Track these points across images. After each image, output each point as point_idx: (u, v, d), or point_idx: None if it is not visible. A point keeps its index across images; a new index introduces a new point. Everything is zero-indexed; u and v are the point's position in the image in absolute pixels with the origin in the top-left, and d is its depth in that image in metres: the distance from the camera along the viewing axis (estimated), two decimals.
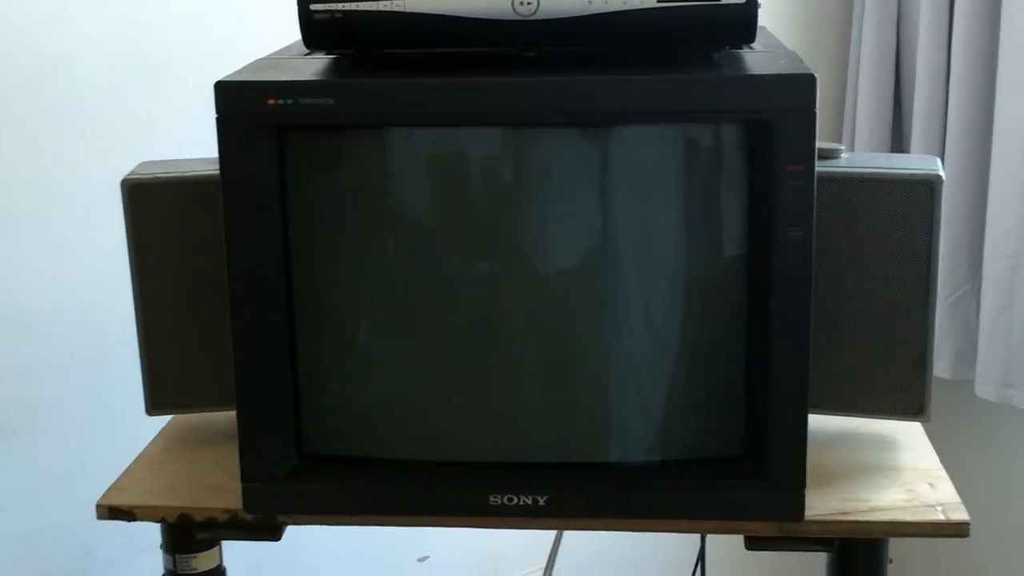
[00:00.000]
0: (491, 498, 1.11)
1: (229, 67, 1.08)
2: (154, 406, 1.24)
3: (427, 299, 1.12)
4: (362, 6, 1.05)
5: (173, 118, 1.75)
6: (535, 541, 1.77)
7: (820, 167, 1.05)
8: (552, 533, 1.80)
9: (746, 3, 1.05)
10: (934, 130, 1.96)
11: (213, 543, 1.22)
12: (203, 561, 1.21)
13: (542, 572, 1.86)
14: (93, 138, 1.72)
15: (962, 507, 1.13)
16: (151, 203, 1.18)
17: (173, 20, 1.75)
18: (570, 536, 1.81)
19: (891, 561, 1.16)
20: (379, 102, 1.05)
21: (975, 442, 2.11)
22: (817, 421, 1.16)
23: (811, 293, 1.05)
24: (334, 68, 1.11)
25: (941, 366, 1.98)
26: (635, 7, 1.04)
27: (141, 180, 1.19)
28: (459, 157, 1.10)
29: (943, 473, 1.19)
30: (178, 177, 1.19)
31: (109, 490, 1.19)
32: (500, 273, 1.12)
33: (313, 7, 1.06)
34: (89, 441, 1.75)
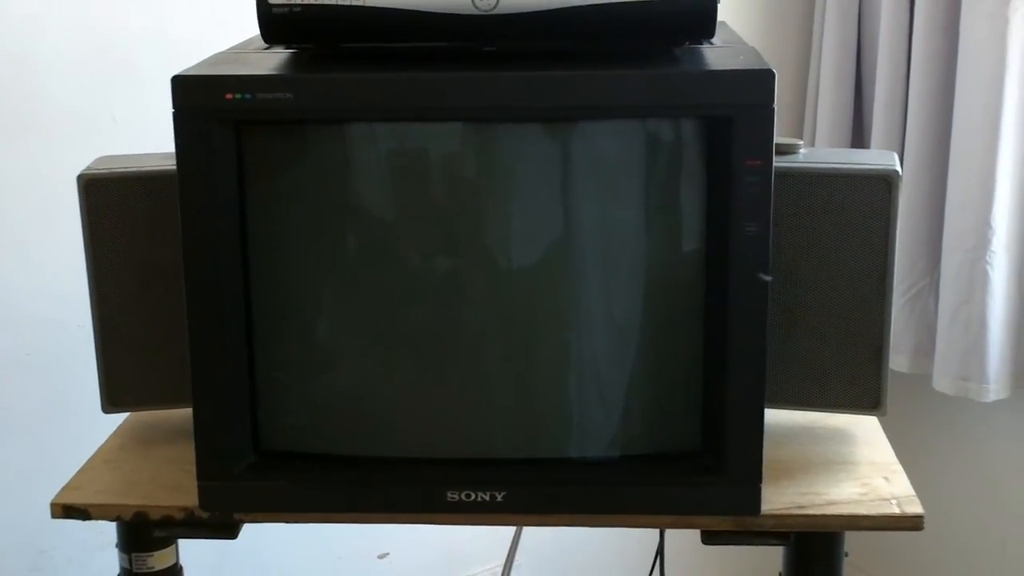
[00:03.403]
0: (448, 494, 1.10)
1: (189, 62, 1.08)
2: (110, 403, 1.22)
3: (386, 295, 1.12)
4: (321, 0, 1.05)
5: (134, 113, 1.74)
6: (496, 536, 1.77)
7: (778, 162, 1.06)
8: (513, 528, 1.80)
9: None
10: (894, 125, 1.97)
11: (169, 542, 1.21)
12: (159, 560, 1.20)
13: (503, 567, 1.86)
14: (53, 133, 1.70)
15: (916, 500, 1.13)
16: (107, 198, 1.17)
17: (134, 15, 1.74)
18: (530, 530, 1.81)
19: (847, 554, 1.17)
20: (338, 97, 1.04)
21: (932, 435, 2.13)
22: (773, 416, 1.17)
23: (768, 288, 1.05)
24: (293, 62, 1.10)
25: (899, 360, 2.00)
26: (595, 2, 1.04)
27: (97, 175, 1.18)
28: (418, 152, 1.09)
29: (898, 467, 1.20)
30: (134, 172, 1.18)
31: (64, 489, 1.18)
32: (459, 269, 1.12)
33: (272, 1, 1.05)
34: (45, 439, 1.73)
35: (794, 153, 1.17)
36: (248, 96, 1.03)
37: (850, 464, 1.20)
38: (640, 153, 1.09)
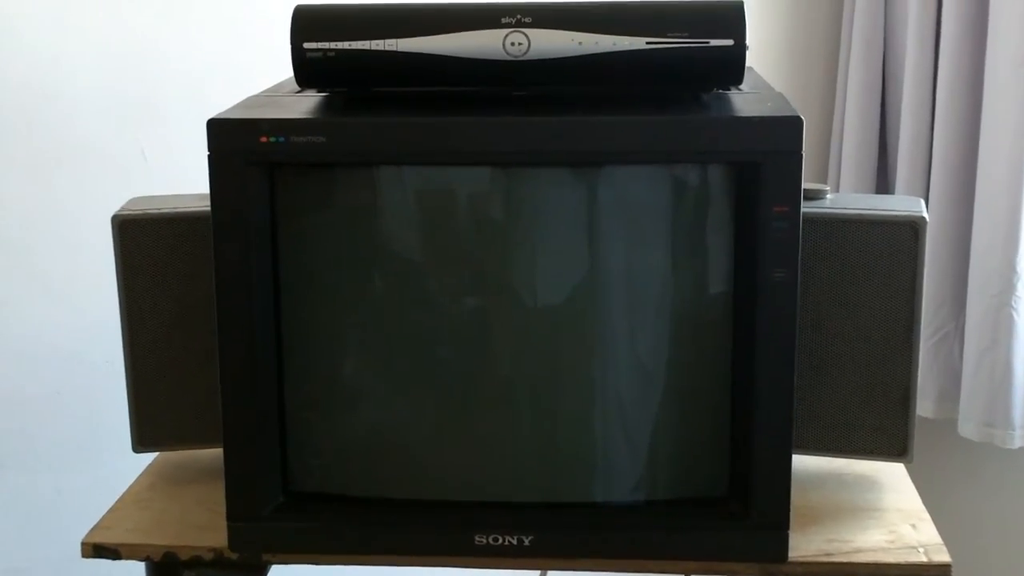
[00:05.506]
0: (476, 538, 1.10)
1: (221, 102, 1.09)
2: (141, 443, 1.23)
3: (415, 337, 1.13)
4: (355, 45, 1.06)
5: (165, 152, 1.76)
6: None
7: (805, 208, 1.06)
8: (537, 572, 1.79)
9: (734, 45, 1.06)
10: (919, 170, 1.97)
11: None
12: None
13: None
14: (84, 171, 1.72)
15: (943, 548, 1.13)
16: (141, 239, 1.19)
17: (165, 55, 1.76)
18: (554, 574, 1.80)
19: None
20: (370, 141, 1.06)
21: (957, 481, 2.12)
22: (800, 461, 1.16)
23: (796, 333, 1.06)
24: (326, 106, 1.12)
25: (924, 405, 1.99)
26: (624, 48, 1.06)
27: (131, 216, 1.19)
28: (449, 195, 1.11)
29: (926, 514, 1.19)
30: (168, 213, 1.19)
31: (94, 528, 1.18)
32: (488, 311, 1.13)
33: (306, 45, 1.07)
34: (75, 477, 1.74)
35: (821, 199, 1.17)
36: (282, 139, 1.04)
37: (877, 511, 1.20)
38: (668, 198, 1.10)
